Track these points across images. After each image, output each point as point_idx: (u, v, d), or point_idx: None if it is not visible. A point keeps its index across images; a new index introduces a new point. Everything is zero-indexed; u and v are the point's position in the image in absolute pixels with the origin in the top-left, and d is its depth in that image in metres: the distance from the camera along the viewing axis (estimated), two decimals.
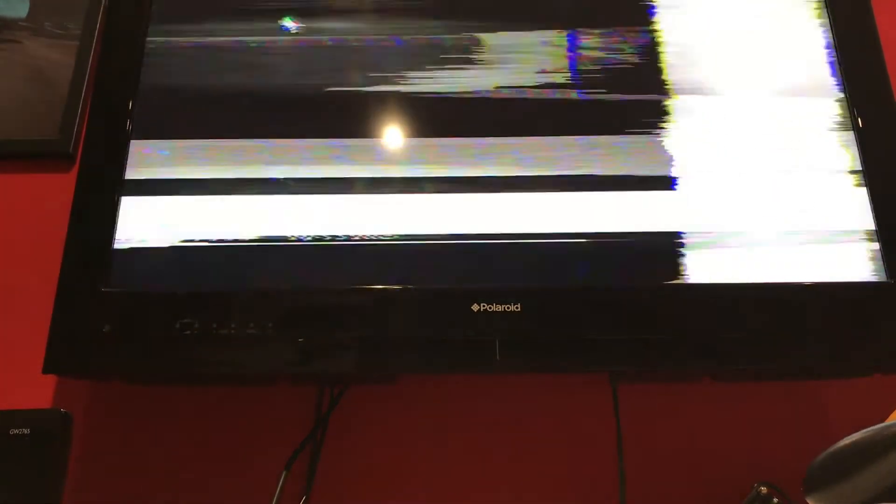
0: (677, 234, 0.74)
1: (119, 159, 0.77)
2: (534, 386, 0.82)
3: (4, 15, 0.96)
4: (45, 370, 0.70)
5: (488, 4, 0.84)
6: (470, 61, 0.81)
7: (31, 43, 0.95)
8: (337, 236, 0.74)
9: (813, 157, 0.78)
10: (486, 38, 0.82)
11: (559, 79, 0.80)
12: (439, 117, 0.79)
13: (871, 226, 0.75)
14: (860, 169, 0.77)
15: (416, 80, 0.80)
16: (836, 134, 0.78)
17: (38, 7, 0.97)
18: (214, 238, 0.74)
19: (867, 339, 0.71)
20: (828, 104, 0.79)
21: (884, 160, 0.77)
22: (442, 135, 0.78)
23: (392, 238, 0.74)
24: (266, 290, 0.72)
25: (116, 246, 0.73)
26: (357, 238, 0.74)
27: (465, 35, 0.82)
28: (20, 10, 0.96)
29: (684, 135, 0.78)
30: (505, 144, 0.78)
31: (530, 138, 0.78)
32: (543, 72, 0.80)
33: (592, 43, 0.81)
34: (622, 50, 0.81)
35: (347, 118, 0.79)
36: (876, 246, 0.74)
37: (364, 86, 0.80)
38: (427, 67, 0.80)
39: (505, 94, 0.79)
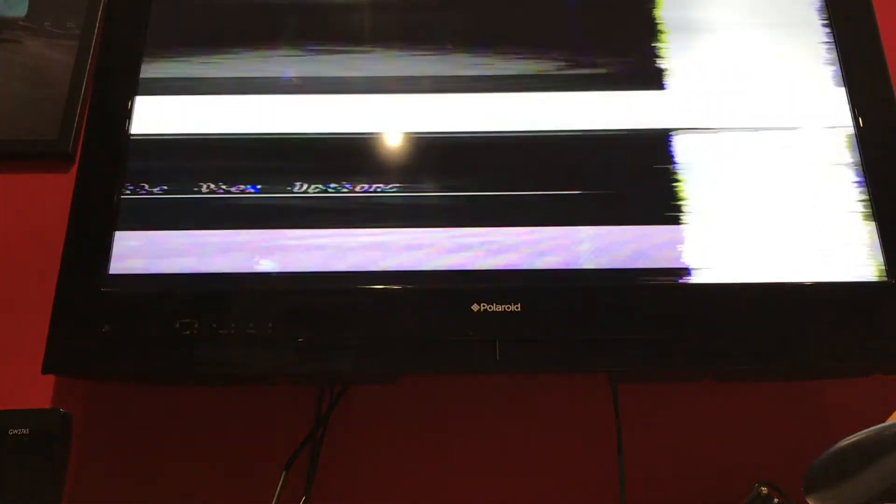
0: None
1: (119, 159, 0.77)
2: (534, 386, 0.82)
3: (3, 14, 0.96)
4: (45, 370, 0.70)
5: None
6: None
7: (31, 42, 0.95)
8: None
9: (813, 157, 0.77)
10: None
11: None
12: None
13: (872, 225, 0.75)
14: (861, 168, 0.77)
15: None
16: (836, 134, 0.78)
17: (37, 6, 0.96)
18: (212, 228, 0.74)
19: (867, 339, 0.71)
20: (828, 104, 0.79)
21: (884, 159, 0.77)
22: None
23: None
24: (266, 290, 0.72)
25: (116, 246, 0.73)
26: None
27: None
28: (19, 9, 0.96)
29: (683, 136, 0.78)
30: None
31: None
32: None
33: None
34: None
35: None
36: (876, 245, 0.74)
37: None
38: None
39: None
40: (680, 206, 0.75)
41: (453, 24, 0.83)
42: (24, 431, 0.64)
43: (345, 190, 0.75)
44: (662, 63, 0.81)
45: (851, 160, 0.77)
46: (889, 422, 0.57)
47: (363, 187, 0.75)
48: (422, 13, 0.83)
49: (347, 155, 0.77)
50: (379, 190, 0.75)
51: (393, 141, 0.78)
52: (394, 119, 0.79)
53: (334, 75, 0.80)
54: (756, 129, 0.79)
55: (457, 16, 0.83)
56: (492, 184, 0.76)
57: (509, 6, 0.84)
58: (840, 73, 0.80)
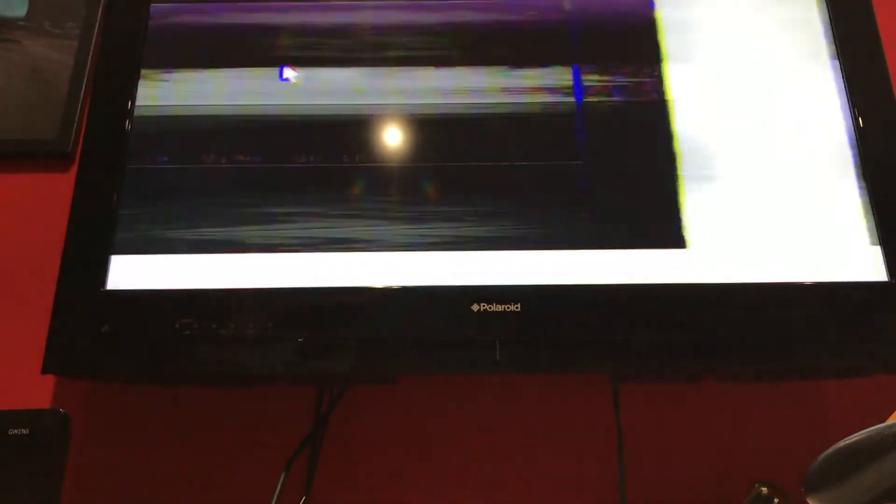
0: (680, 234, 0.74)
1: (118, 158, 0.76)
2: (534, 386, 0.82)
3: (3, 14, 0.96)
4: (44, 370, 0.70)
5: None
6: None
7: (30, 42, 0.95)
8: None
9: (814, 156, 0.77)
10: None
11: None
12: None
13: (872, 225, 0.75)
14: (861, 168, 0.77)
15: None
16: (836, 133, 0.78)
17: (36, 6, 0.96)
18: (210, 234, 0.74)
19: (867, 339, 0.71)
20: (829, 104, 0.79)
21: (884, 159, 0.77)
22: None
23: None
24: (266, 290, 0.72)
25: (116, 246, 0.73)
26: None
27: None
28: (19, 9, 0.96)
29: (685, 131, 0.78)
30: None
31: None
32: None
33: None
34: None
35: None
36: (876, 245, 0.74)
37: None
38: None
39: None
40: (680, 205, 0.75)
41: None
42: (24, 431, 0.64)
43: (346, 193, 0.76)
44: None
45: (852, 160, 0.77)
46: (889, 422, 0.57)
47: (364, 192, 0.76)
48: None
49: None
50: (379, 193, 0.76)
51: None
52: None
53: None
54: (756, 130, 0.79)
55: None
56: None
57: None
58: (840, 74, 0.80)
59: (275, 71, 0.81)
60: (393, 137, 0.78)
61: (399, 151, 0.78)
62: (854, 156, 0.77)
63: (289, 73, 0.81)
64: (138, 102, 0.79)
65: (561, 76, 0.80)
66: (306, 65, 0.81)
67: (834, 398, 0.81)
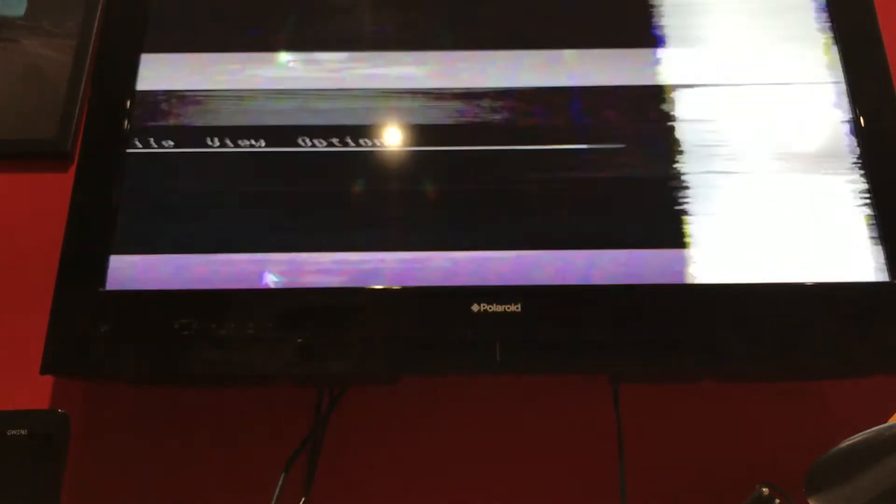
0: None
1: (116, 158, 0.76)
2: (534, 386, 0.82)
3: (2, 14, 0.96)
4: (43, 371, 0.69)
5: None
6: None
7: (29, 41, 0.94)
8: None
9: (815, 155, 0.77)
10: None
11: None
12: None
13: (873, 225, 0.74)
14: (862, 167, 0.76)
15: None
16: (838, 132, 0.78)
17: (35, 5, 0.96)
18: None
19: (868, 340, 0.71)
20: (830, 103, 0.79)
21: (886, 158, 0.77)
22: None
23: None
24: (266, 289, 0.72)
25: (115, 246, 0.73)
26: None
27: None
28: (18, 8, 0.96)
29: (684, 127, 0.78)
30: None
31: None
32: None
33: None
34: None
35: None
36: (877, 245, 0.74)
37: None
38: None
39: None
40: (681, 207, 0.75)
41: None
42: (23, 432, 0.64)
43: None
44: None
45: (853, 159, 0.77)
46: (890, 423, 0.57)
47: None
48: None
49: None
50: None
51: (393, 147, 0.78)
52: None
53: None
54: (758, 129, 0.78)
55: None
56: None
57: None
58: (842, 73, 0.80)
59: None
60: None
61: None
62: (855, 154, 0.77)
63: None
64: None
65: None
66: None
67: (835, 399, 0.81)
